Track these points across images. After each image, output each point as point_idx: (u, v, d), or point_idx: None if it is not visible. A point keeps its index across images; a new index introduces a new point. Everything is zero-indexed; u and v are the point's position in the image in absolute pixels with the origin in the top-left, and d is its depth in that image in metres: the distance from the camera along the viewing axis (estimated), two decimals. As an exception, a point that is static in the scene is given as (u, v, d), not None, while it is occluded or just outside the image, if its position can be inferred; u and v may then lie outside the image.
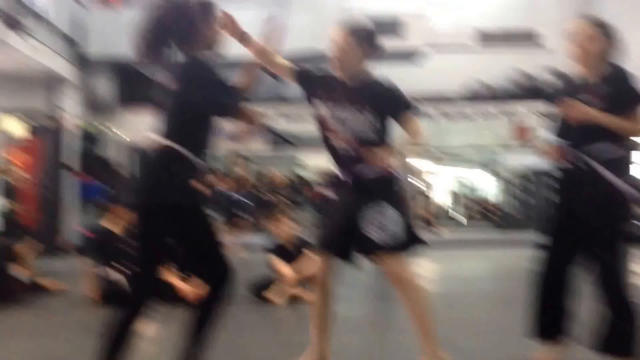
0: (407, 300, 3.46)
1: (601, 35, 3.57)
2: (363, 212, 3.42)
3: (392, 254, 3.43)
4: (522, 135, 17.48)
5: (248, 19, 13.89)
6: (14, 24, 9.06)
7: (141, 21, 3.17)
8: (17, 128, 11.87)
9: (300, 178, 17.58)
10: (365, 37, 3.57)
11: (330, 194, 3.68)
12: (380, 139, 3.50)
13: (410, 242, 3.51)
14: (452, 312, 5.81)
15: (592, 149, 3.53)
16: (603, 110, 3.47)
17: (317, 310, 3.65)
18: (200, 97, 3.07)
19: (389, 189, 3.51)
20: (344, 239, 3.53)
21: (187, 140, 3.10)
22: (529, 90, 14.81)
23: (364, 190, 3.45)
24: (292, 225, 6.64)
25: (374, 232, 3.40)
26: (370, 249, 3.43)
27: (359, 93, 3.51)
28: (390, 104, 3.54)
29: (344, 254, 3.58)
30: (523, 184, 17.80)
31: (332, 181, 3.65)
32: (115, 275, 6.20)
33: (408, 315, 3.49)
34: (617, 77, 3.55)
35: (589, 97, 3.54)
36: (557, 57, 14.43)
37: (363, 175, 3.46)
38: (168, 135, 3.10)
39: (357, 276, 5.28)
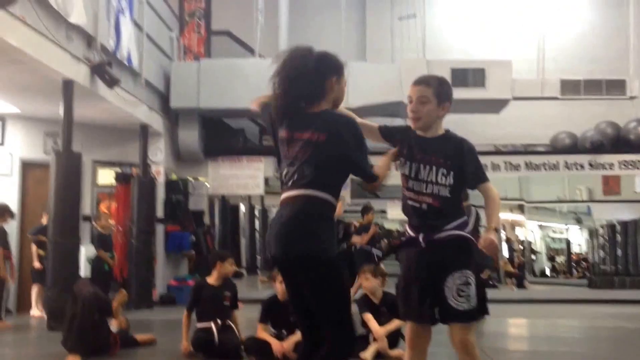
0: None
1: None
2: (447, 280, 3.29)
3: (469, 323, 3.31)
4: (611, 186, 16.93)
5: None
6: (112, 83, 9.40)
7: (278, 73, 3.21)
8: (107, 178, 12.24)
9: (383, 229, 17.44)
10: (442, 90, 3.47)
11: (406, 254, 3.52)
12: (454, 197, 3.40)
13: (482, 310, 3.39)
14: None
15: None
16: None
17: None
18: (348, 153, 3.14)
19: (467, 254, 3.38)
20: (427, 304, 3.36)
21: (330, 191, 3.14)
22: (616, 141, 14.36)
23: (444, 254, 3.32)
24: (378, 280, 6.52)
25: (458, 302, 3.27)
26: (454, 318, 3.30)
27: (438, 150, 3.42)
28: (469, 173, 3.43)
29: (430, 318, 3.43)
30: (612, 236, 17.18)
31: (405, 241, 3.49)
32: (207, 327, 6.23)
33: None
34: None
35: None
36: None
37: (441, 237, 3.35)
38: (311, 185, 3.11)
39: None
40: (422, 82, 3.45)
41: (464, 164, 3.40)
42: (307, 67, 3.19)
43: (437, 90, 3.43)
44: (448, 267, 3.30)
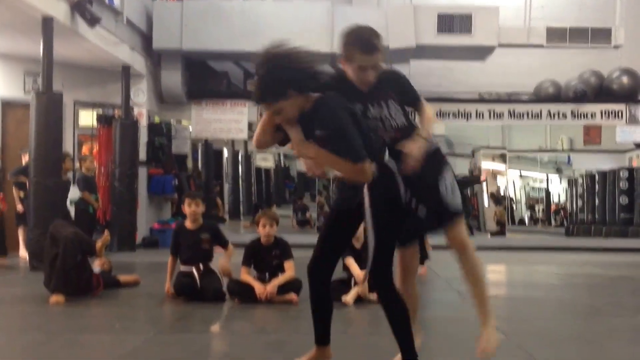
0: (467, 267, 3.49)
1: None
2: (439, 185, 3.41)
3: (460, 220, 3.48)
4: (592, 136, 17.04)
5: (315, 12, 13.73)
6: (93, 21, 9.22)
7: None
8: (89, 119, 12.12)
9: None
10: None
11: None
12: (409, 122, 3.50)
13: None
14: (523, 318, 5.65)
15: None
16: None
17: None
18: None
19: (440, 159, 3.53)
20: (424, 213, 3.45)
21: None
22: (599, 91, 14.40)
23: (426, 166, 3.37)
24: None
25: (454, 200, 3.43)
26: (453, 216, 3.44)
27: (382, 87, 3.46)
28: (405, 95, 3.54)
29: (431, 226, 3.56)
30: (591, 185, 17.37)
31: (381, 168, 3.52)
32: (189, 271, 6.28)
33: (466, 281, 3.52)
34: None
35: None
36: (629, 56, 14.15)
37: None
38: None
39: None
40: (375, 49, 3.38)
41: (404, 88, 3.53)
42: None
43: (383, 52, 3.45)
44: (435, 173, 3.43)
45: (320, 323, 3.53)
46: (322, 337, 3.55)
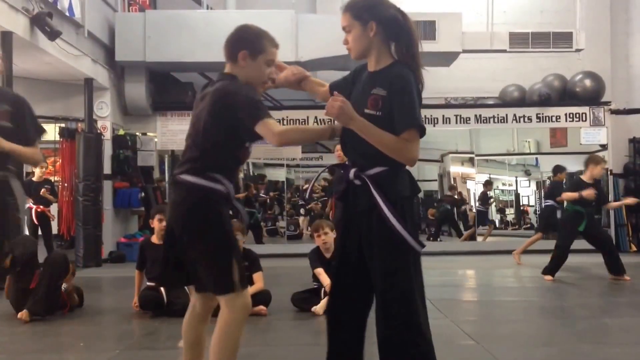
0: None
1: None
2: None
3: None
4: (558, 139, 17.20)
5: (279, 21, 13.65)
6: (53, 35, 9.08)
7: None
8: (51, 134, 11.91)
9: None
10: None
11: None
12: None
13: None
14: (492, 322, 5.64)
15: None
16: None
17: None
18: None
19: None
20: None
21: None
22: (563, 94, 14.59)
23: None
24: (334, 234, 6.50)
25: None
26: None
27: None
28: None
29: None
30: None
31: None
32: (156, 286, 6.17)
33: None
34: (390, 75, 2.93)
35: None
36: (590, 59, 14.34)
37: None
38: None
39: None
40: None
41: None
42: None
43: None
44: None
45: None
46: None
